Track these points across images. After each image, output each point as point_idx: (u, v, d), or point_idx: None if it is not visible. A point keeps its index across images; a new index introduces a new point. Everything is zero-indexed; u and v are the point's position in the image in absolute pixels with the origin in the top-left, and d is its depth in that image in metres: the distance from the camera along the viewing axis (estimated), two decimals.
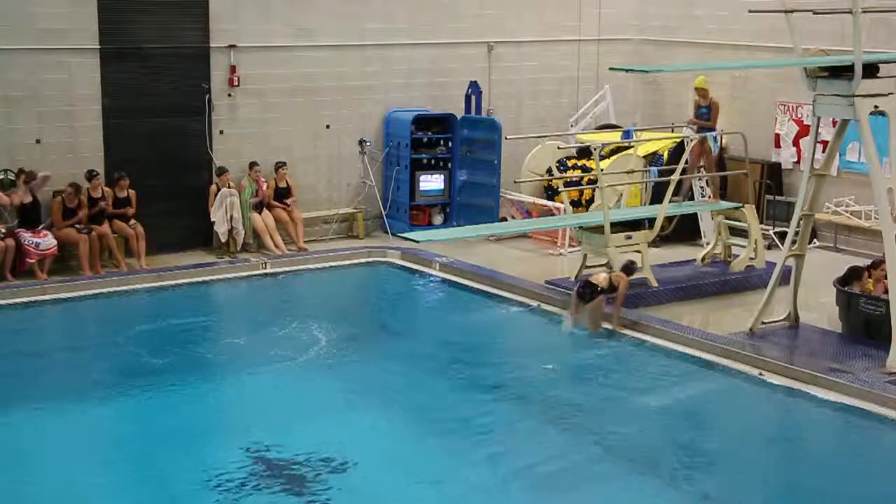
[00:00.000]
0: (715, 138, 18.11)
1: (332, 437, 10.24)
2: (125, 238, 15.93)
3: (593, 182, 15.72)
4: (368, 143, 18.25)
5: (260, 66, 17.22)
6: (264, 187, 17.07)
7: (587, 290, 13.50)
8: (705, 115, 15.61)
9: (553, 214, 17.55)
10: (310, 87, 17.72)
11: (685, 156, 15.30)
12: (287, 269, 16.14)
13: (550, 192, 18.01)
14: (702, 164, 15.91)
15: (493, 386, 11.99)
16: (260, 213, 16.95)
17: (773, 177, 18.21)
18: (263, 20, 17.20)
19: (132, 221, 15.95)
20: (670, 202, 15.21)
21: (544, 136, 18.01)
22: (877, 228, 13.70)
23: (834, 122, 13.92)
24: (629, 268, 13.81)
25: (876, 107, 12.28)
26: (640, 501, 9.47)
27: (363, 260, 16.68)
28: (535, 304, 14.57)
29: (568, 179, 16.92)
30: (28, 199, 15.23)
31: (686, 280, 15.22)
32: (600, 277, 13.59)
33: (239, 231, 16.58)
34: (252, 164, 16.95)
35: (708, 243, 16.48)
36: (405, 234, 15.07)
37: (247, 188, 16.82)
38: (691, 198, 16.79)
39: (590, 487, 9.65)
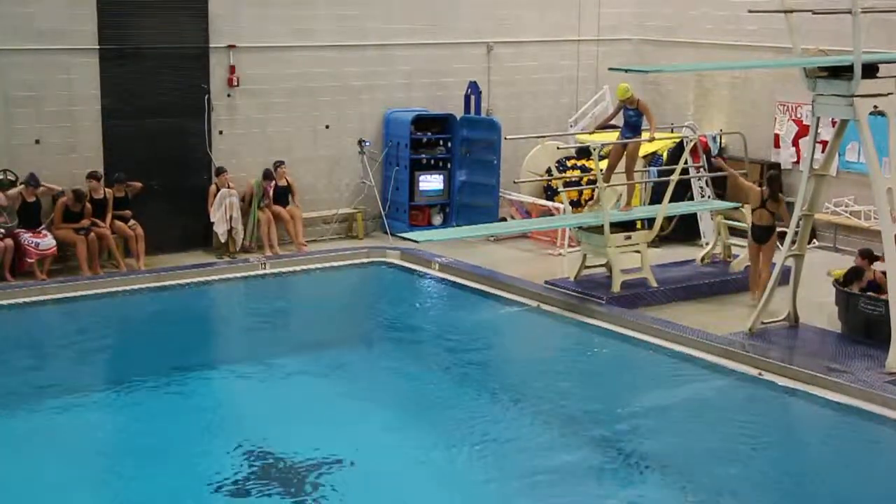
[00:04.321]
0: (714, 138, 18.12)
1: (332, 438, 10.23)
2: (125, 238, 15.94)
3: (593, 182, 15.73)
4: (367, 144, 18.25)
5: (259, 66, 17.23)
6: (270, 192, 17.08)
7: (761, 232, 14.06)
8: (633, 118, 15.22)
9: (552, 214, 17.55)
10: (310, 87, 17.72)
11: (684, 156, 15.30)
12: (286, 269, 16.12)
13: (550, 192, 18.02)
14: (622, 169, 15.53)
15: (493, 386, 11.98)
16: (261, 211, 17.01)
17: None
18: (263, 20, 17.20)
19: (131, 222, 15.95)
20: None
21: (544, 136, 18.02)
22: (876, 228, 13.70)
23: (833, 123, 13.94)
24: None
25: (875, 107, 12.27)
26: (640, 501, 9.46)
27: (362, 260, 16.66)
28: (534, 304, 14.57)
29: (567, 179, 16.93)
30: (31, 198, 15.25)
31: (686, 280, 15.22)
32: (763, 215, 14.13)
33: (238, 231, 16.58)
34: (267, 173, 16.90)
35: (707, 243, 16.48)
36: (405, 235, 15.08)
37: (256, 194, 16.81)
38: (690, 198, 16.81)
39: (591, 488, 9.65)
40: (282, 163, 17.28)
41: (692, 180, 16.59)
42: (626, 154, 15.26)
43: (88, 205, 15.61)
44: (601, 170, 14.79)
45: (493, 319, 14.68)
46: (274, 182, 17.02)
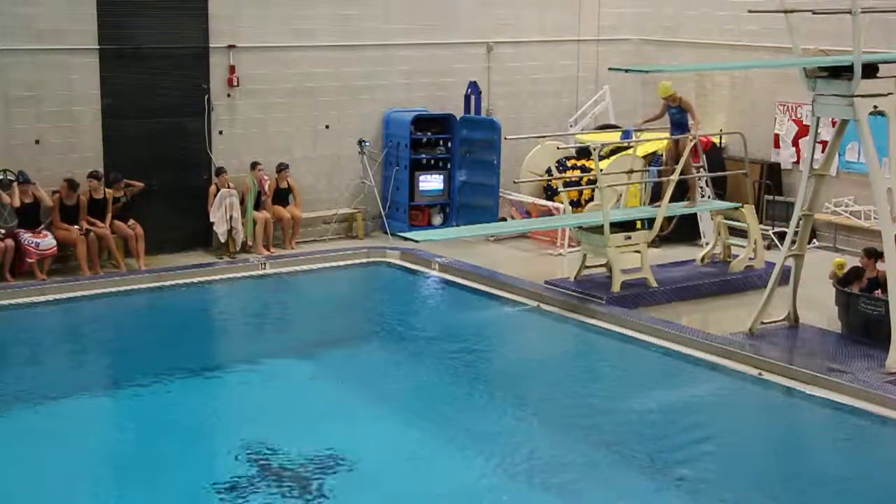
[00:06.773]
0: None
1: (332, 439, 10.23)
2: (124, 238, 15.94)
3: (593, 182, 15.74)
4: (367, 144, 18.25)
5: (259, 66, 17.23)
6: (266, 186, 17.08)
7: None
8: (676, 115, 15.42)
9: (552, 214, 17.55)
10: (310, 87, 17.72)
11: (684, 156, 15.30)
12: (286, 269, 16.12)
13: (550, 193, 18.02)
14: (700, 164, 15.80)
15: (493, 387, 11.98)
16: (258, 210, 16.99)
17: (773, 177, 18.22)
18: (263, 20, 17.20)
19: (131, 222, 15.95)
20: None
21: (544, 136, 18.02)
22: (876, 229, 13.70)
23: (833, 122, 13.94)
24: None
25: (875, 107, 12.27)
26: (638, 501, 9.46)
27: (362, 260, 16.65)
28: (534, 304, 14.57)
29: (567, 179, 16.93)
30: (28, 198, 15.27)
31: (686, 280, 15.22)
32: None
33: (238, 231, 16.59)
34: (254, 164, 16.94)
35: (707, 243, 16.49)
36: (404, 235, 15.06)
37: (251, 189, 16.82)
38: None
39: (591, 488, 9.64)
40: (286, 166, 17.27)
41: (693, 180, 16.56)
42: (677, 151, 15.38)
43: (82, 198, 15.58)
44: (601, 170, 14.79)
45: (493, 319, 14.68)
46: (263, 172, 16.99)
